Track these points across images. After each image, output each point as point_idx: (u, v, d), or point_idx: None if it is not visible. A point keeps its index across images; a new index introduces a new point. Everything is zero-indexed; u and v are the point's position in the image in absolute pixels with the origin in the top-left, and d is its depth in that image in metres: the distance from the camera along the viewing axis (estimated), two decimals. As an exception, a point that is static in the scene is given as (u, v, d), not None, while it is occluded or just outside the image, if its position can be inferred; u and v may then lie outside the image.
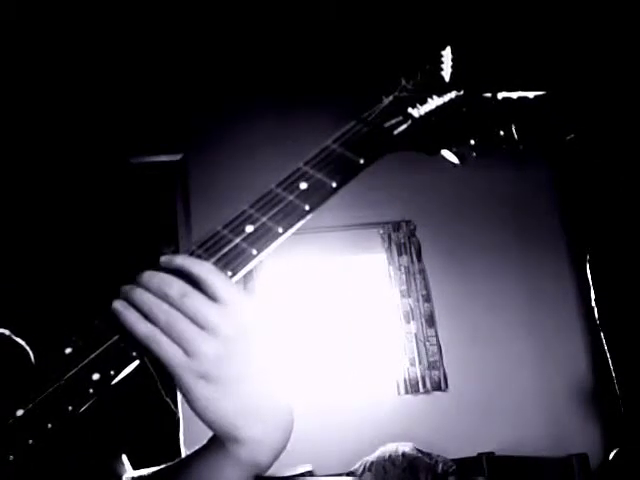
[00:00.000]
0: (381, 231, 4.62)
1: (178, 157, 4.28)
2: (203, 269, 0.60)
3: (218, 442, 0.64)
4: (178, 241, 4.22)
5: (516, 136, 0.68)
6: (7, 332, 0.80)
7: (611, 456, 3.78)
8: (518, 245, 4.71)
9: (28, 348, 0.80)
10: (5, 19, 3.15)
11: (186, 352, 0.57)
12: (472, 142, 0.70)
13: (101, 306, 0.62)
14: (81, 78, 3.90)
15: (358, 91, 4.27)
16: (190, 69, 4.21)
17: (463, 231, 4.67)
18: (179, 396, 3.75)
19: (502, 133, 0.68)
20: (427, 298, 4.54)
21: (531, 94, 0.66)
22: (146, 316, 0.58)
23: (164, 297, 0.58)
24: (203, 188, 4.38)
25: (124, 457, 0.82)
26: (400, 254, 4.57)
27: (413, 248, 4.60)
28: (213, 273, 0.60)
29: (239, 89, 4.46)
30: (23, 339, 0.80)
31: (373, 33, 3.81)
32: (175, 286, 0.59)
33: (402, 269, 4.54)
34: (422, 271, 4.58)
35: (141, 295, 0.59)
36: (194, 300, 0.58)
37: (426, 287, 4.56)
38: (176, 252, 0.64)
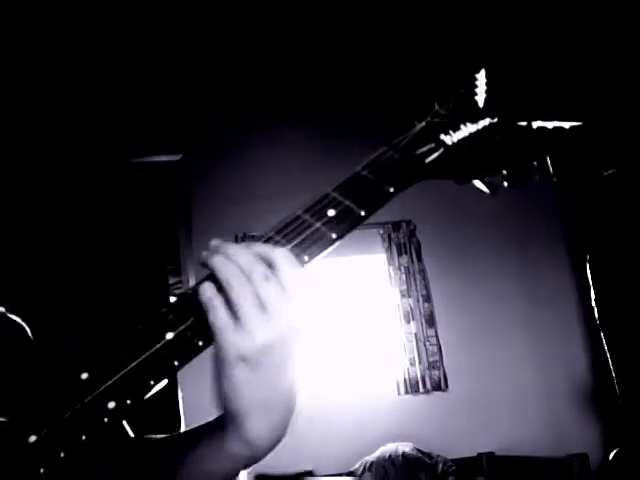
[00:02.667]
0: (381, 231, 4.61)
1: (178, 157, 4.26)
2: (280, 255, 0.62)
3: (221, 429, 0.66)
4: (178, 241, 4.21)
5: (551, 168, 0.66)
6: (2, 309, 0.80)
7: (611, 456, 3.79)
8: (518, 245, 4.70)
9: (24, 324, 0.80)
10: (5, 19, 3.13)
11: (241, 330, 0.59)
12: (504, 172, 0.68)
13: (101, 311, 0.60)
14: (81, 78, 3.88)
15: (364, 102, 4.24)
16: (190, 69, 4.19)
17: (463, 231, 4.66)
18: (180, 396, 3.76)
19: (536, 164, 0.67)
20: (427, 298, 4.53)
21: (567, 124, 0.64)
22: (223, 279, 0.60)
23: (248, 273, 0.60)
24: (203, 188, 4.37)
25: (124, 423, 0.80)
26: (400, 254, 4.56)
27: (413, 248, 4.59)
28: (289, 259, 0.61)
29: (239, 89, 4.44)
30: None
31: (403, 52, 3.75)
32: (261, 267, 0.60)
33: (402, 269, 4.53)
34: (422, 271, 4.57)
35: (225, 262, 0.61)
36: (272, 286, 0.60)
37: (426, 287, 4.56)
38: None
